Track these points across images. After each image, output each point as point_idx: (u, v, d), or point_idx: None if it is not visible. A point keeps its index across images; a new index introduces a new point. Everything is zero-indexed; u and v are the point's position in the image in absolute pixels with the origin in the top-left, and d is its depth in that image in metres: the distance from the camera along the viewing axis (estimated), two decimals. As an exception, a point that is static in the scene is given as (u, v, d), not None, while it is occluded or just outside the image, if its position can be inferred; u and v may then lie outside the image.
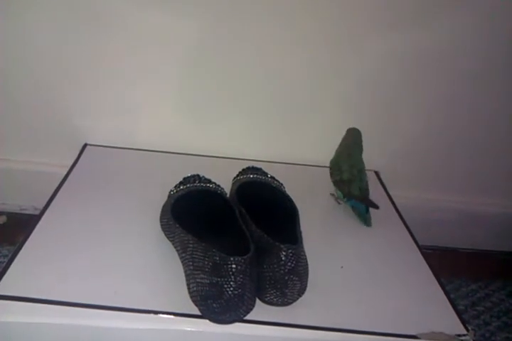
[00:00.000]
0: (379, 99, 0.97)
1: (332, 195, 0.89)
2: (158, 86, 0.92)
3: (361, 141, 0.85)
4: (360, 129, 0.87)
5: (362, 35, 0.89)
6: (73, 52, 0.88)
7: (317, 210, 0.87)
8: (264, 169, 0.83)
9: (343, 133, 0.89)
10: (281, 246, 0.59)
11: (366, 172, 0.86)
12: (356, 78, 0.94)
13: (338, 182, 0.84)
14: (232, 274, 0.54)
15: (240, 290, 0.54)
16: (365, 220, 0.82)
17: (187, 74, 0.91)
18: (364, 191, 0.82)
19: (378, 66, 0.93)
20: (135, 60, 0.89)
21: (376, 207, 0.82)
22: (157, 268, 0.66)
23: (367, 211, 0.82)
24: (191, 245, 0.60)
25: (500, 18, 0.88)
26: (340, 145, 0.87)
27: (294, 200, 0.74)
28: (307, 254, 0.65)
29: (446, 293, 0.72)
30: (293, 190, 0.79)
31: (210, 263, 0.56)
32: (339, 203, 0.87)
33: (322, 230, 0.81)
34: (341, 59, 0.92)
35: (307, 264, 0.63)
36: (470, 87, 0.97)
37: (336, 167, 0.85)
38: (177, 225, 0.64)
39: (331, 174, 0.86)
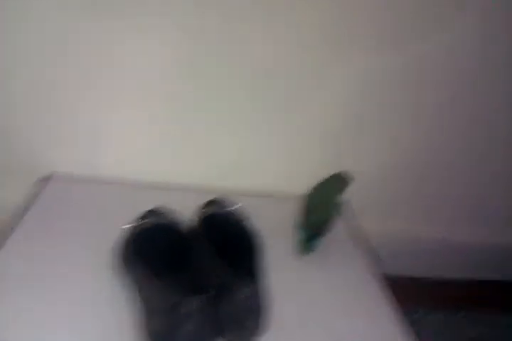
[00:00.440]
0: (355, 132, 0.99)
1: (296, 222, 0.89)
2: (126, 115, 0.91)
3: (340, 181, 0.86)
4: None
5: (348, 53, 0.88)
6: (34, 77, 0.85)
7: (284, 243, 0.86)
8: (233, 200, 0.82)
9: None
10: (241, 282, 0.58)
11: (338, 209, 0.86)
12: (337, 112, 0.95)
13: (301, 211, 0.85)
14: (189, 315, 0.53)
15: (197, 331, 0.54)
16: (302, 249, 0.83)
17: (156, 101, 0.90)
18: (317, 223, 0.82)
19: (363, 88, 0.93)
20: (102, 86, 0.87)
21: (313, 239, 0.82)
22: (112, 307, 0.64)
23: (311, 240, 0.83)
24: (147, 285, 0.59)
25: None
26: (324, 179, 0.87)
27: (262, 233, 0.74)
28: (271, 289, 0.65)
29: (409, 326, 0.73)
30: (261, 222, 0.78)
31: (167, 304, 0.55)
32: (295, 232, 0.87)
33: (288, 264, 0.81)
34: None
35: (269, 301, 0.63)
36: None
37: (306, 196, 0.86)
38: (134, 262, 0.63)
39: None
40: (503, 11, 0.88)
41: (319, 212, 0.82)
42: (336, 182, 0.86)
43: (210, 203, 0.81)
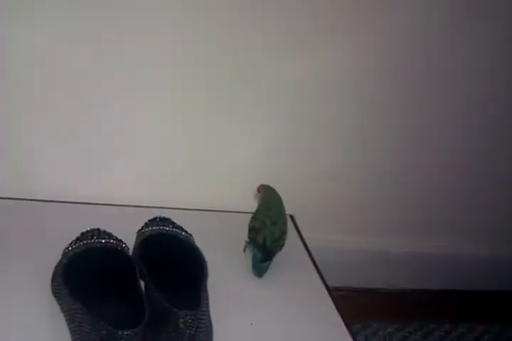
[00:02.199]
0: (297, 145, 0.98)
1: (246, 241, 0.86)
2: (55, 131, 0.87)
3: (278, 196, 0.86)
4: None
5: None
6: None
7: (230, 261, 0.83)
8: (175, 217, 0.79)
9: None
10: (179, 312, 0.54)
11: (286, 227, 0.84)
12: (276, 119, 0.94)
13: (250, 229, 0.82)
14: (122, 349, 0.49)
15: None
16: (257, 270, 0.80)
17: (85, 120, 0.87)
18: (270, 243, 0.79)
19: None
20: (28, 104, 0.83)
21: (267, 259, 0.79)
22: (44, 339, 0.59)
23: (264, 261, 0.79)
24: (79, 315, 0.54)
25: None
26: (264, 196, 0.86)
27: (205, 251, 0.70)
28: (215, 313, 0.61)
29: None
30: (205, 239, 0.75)
31: (98, 338, 0.50)
32: (244, 251, 0.84)
33: (232, 283, 0.77)
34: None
35: (210, 328, 0.59)
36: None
37: (254, 215, 0.84)
38: (66, 291, 0.58)
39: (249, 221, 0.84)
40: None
41: (266, 232, 0.80)
42: (274, 197, 0.86)
43: (151, 222, 0.76)
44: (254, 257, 0.80)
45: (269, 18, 0.83)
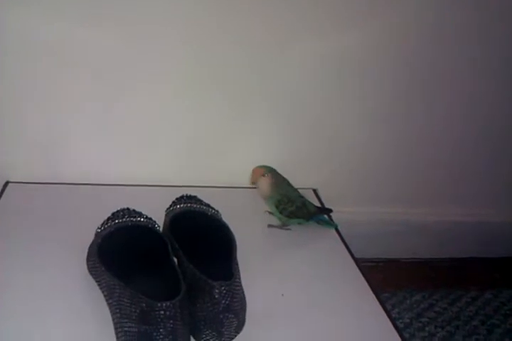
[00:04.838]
0: (314, 116, 0.98)
1: (269, 213, 0.89)
2: (82, 115, 0.88)
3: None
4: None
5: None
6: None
7: (255, 235, 0.85)
8: (201, 195, 0.80)
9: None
10: (214, 283, 0.56)
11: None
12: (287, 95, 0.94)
13: (296, 211, 0.84)
14: (161, 321, 0.51)
15: (170, 337, 0.51)
16: (332, 224, 0.89)
17: (112, 103, 0.88)
18: (313, 205, 0.88)
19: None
20: (57, 87, 0.84)
21: (329, 211, 0.90)
22: (84, 315, 0.62)
23: (323, 216, 0.90)
24: (117, 290, 0.56)
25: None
26: (272, 183, 0.84)
27: (232, 226, 0.72)
28: (246, 284, 0.63)
29: (387, 311, 0.72)
30: (231, 215, 0.76)
31: (138, 310, 0.52)
32: (268, 226, 0.87)
33: (260, 256, 0.79)
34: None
35: (244, 298, 0.61)
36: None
37: (285, 200, 0.83)
38: (103, 268, 0.60)
39: (284, 209, 0.84)
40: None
41: (307, 201, 0.86)
42: (277, 175, 0.86)
43: (178, 200, 0.78)
44: (322, 220, 0.88)
45: (269, 11, 0.83)
